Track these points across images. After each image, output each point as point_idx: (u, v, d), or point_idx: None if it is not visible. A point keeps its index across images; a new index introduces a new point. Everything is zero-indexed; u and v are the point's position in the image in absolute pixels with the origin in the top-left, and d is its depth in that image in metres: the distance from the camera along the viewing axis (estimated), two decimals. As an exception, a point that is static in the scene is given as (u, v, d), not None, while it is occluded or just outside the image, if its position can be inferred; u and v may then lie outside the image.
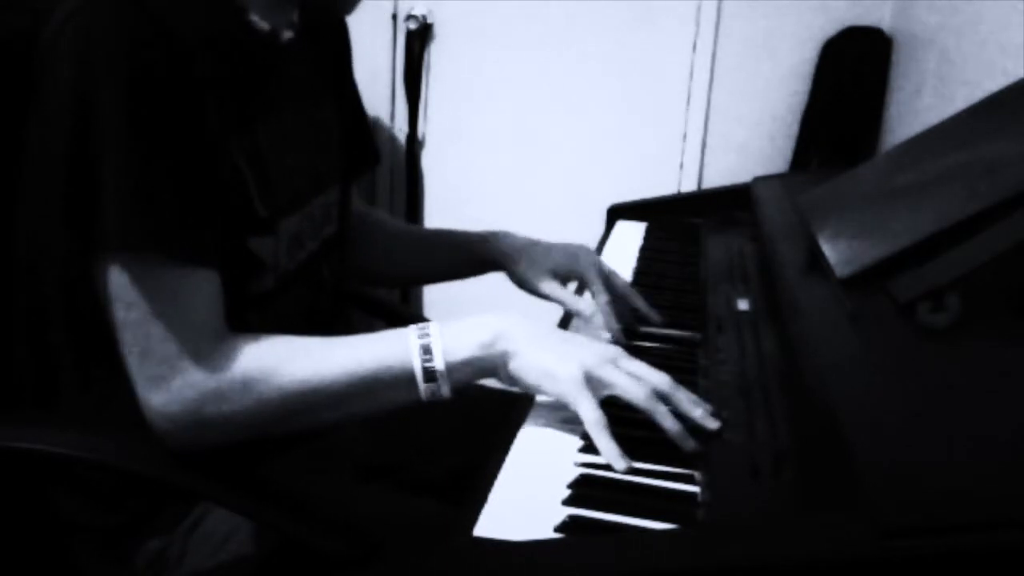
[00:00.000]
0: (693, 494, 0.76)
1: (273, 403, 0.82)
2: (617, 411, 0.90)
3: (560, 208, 2.40)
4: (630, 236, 1.55)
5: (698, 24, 2.27)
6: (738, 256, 1.33)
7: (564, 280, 1.15)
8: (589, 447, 0.82)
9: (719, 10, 2.25)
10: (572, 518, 0.72)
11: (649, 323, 1.12)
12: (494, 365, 0.85)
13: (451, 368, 0.84)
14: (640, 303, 1.13)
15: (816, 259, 1.01)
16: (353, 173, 1.18)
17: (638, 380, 0.83)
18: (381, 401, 0.86)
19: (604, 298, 1.10)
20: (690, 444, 0.81)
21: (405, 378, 0.84)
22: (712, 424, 0.83)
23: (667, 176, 2.38)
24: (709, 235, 1.47)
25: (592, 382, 0.83)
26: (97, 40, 0.77)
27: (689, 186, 2.37)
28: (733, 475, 0.77)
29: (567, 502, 0.74)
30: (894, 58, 2.14)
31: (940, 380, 0.75)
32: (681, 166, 2.38)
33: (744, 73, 2.29)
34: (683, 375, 0.97)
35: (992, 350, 0.78)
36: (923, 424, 0.67)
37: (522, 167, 2.43)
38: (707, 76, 2.30)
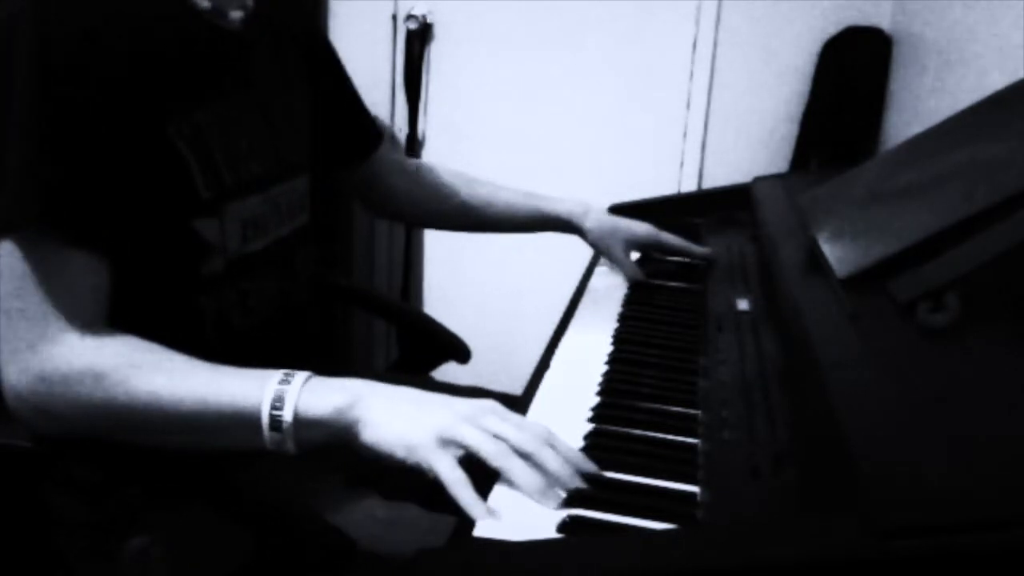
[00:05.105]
0: (693, 494, 0.76)
1: (119, 407, 0.80)
2: (616, 411, 0.90)
3: (560, 208, 2.39)
4: (630, 236, 1.54)
5: (698, 24, 2.27)
6: (738, 256, 1.33)
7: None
8: (588, 447, 0.82)
9: (719, 10, 2.25)
10: (572, 518, 0.72)
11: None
12: (346, 434, 0.80)
13: (300, 424, 0.79)
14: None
15: (816, 259, 1.01)
16: (337, 161, 1.20)
17: (494, 438, 0.77)
18: (228, 438, 0.83)
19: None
20: (551, 501, 0.73)
21: (251, 422, 0.80)
22: (573, 483, 0.75)
23: (667, 176, 2.38)
24: (709, 235, 1.47)
25: (446, 443, 0.77)
26: (22, 27, 0.78)
27: (689, 186, 2.37)
28: (733, 475, 0.77)
29: (567, 502, 0.74)
30: (894, 58, 2.14)
31: (940, 380, 0.75)
32: (681, 166, 2.38)
33: (744, 73, 2.29)
34: (683, 375, 0.98)
35: (992, 350, 0.78)
36: (923, 424, 0.67)
37: (522, 167, 2.43)
38: (707, 76, 2.30)
